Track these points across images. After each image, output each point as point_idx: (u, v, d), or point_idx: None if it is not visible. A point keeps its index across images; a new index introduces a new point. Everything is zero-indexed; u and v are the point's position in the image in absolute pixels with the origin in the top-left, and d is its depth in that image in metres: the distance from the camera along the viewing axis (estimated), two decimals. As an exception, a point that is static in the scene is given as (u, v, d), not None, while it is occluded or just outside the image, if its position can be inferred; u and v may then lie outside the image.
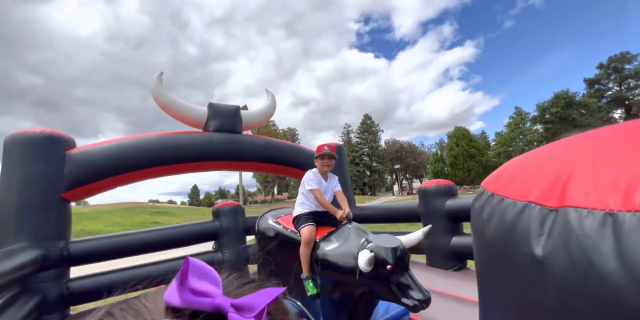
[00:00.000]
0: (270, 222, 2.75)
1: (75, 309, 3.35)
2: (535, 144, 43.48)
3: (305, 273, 2.24)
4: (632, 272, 0.20)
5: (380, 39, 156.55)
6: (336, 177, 2.77)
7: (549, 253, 0.25)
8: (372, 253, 1.74)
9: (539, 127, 44.71)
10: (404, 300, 1.69)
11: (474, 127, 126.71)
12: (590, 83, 43.61)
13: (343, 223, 2.27)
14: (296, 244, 2.31)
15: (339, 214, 2.31)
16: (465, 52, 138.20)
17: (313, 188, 2.48)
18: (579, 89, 48.90)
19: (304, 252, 2.23)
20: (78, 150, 3.40)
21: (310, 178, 2.52)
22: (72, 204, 3.63)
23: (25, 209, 2.98)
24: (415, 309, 1.66)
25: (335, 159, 2.59)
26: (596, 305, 0.22)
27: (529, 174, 0.32)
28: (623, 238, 0.21)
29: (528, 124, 46.03)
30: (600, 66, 42.01)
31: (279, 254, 2.61)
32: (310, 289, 2.19)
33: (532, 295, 0.27)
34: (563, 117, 40.46)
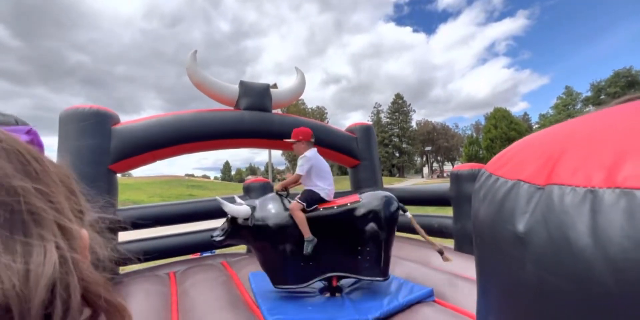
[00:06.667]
0: None
1: (123, 269, 3.76)
2: (585, 127, 39.70)
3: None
4: (603, 248, 0.21)
5: (420, 11, 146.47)
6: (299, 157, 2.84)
7: (530, 230, 0.26)
8: None
9: (591, 109, 40.62)
10: None
11: (517, 108, 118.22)
12: (660, 59, 38.26)
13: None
14: None
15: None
16: (516, 23, 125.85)
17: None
18: (645, 67, 43.11)
19: None
20: (122, 126, 3.63)
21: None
22: (118, 175, 3.94)
23: (79, 178, 3.28)
24: None
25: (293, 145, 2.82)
26: (570, 281, 0.22)
27: (526, 153, 0.32)
28: (599, 215, 0.22)
29: (579, 106, 42.01)
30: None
31: None
32: None
33: (514, 273, 0.27)
34: (622, 98, 36.21)
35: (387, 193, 2.73)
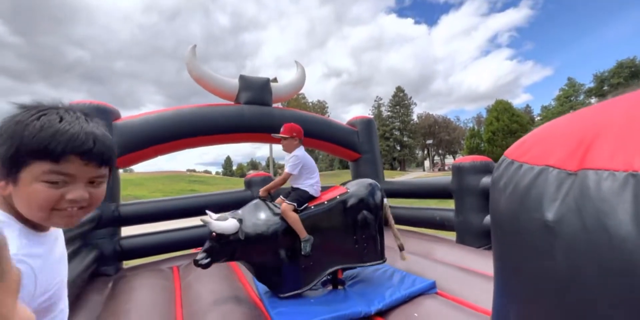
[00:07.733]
0: None
1: (126, 264, 3.79)
2: (587, 119, 39.43)
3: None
4: None
5: (422, 2, 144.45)
6: (289, 156, 2.73)
7: (561, 218, 0.24)
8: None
9: (593, 100, 40.29)
10: None
11: (519, 100, 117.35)
12: (665, 49, 37.78)
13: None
14: None
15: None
16: (519, 14, 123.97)
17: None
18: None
19: None
20: (122, 121, 3.61)
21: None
22: (120, 171, 3.94)
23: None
24: None
25: (281, 140, 2.68)
26: (606, 272, 0.21)
27: (551, 138, 0.29)
28: None
29: (582, 97, 41.62)
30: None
31: None
32: None
33: (541, 262, 0.25)
34: (625, 89, 35.87)
35: (371, 180, 2.81)
